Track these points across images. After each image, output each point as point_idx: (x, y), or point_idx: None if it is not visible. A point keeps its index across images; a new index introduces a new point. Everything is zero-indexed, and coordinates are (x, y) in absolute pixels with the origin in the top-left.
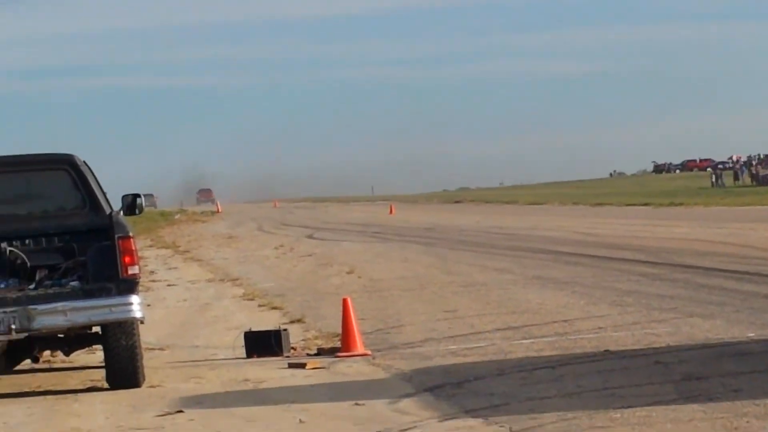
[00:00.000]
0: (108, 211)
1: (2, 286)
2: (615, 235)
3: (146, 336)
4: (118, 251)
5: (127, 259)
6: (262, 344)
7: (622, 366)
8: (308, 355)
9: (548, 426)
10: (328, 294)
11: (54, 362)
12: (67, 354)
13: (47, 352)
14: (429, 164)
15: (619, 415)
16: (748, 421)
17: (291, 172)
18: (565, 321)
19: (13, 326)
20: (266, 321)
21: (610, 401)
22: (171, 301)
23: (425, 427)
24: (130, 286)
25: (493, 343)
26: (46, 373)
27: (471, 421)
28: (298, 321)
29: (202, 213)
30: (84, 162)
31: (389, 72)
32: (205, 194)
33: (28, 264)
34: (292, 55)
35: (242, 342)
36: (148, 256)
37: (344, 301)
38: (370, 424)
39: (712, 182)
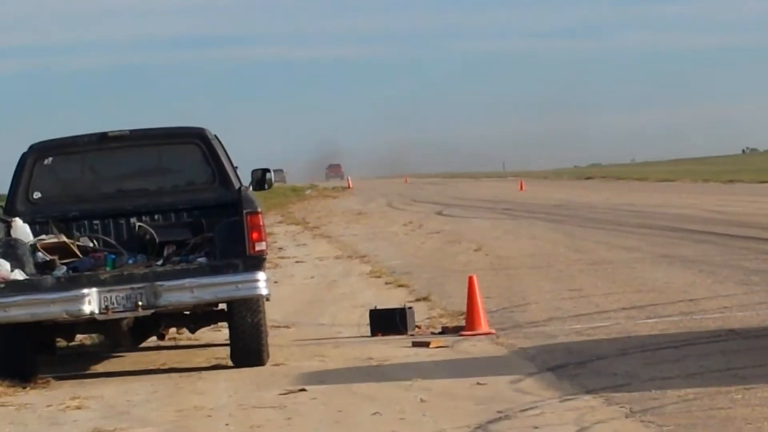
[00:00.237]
0: (237, 186)
1: (130, 261)
2: (745, 212)
3: (272, 313)
4: (246, 227)
5: (254, 235)
6: (387, 322)
7: (746, 346)
8: (432, 333)
9: (669, 407)
10: (454, 272)
11: (180, 339)
12: (192, 331)
13: (173, 330)
14: (561, 140)
15: (740, 396)
16: None
17: (423, 147)
18: (690, 300)
19: (140, 303)
20: (392, 299)
21: (732, 381)
22: (298, 278)
23: (546, 406)
24: (257, 262)
25: (617, 323)
26: (172, 351)
27: (592, 401)
28: (424, 299)
29: (333, 189)
30: (215, 136)
31: (525, 45)
32: (335, 169)
33: (157, 239)
34: (428, 26)
35: (367, 320)
36: (277, 232)
37: (470, 279)
38: (490, 403)
39: None
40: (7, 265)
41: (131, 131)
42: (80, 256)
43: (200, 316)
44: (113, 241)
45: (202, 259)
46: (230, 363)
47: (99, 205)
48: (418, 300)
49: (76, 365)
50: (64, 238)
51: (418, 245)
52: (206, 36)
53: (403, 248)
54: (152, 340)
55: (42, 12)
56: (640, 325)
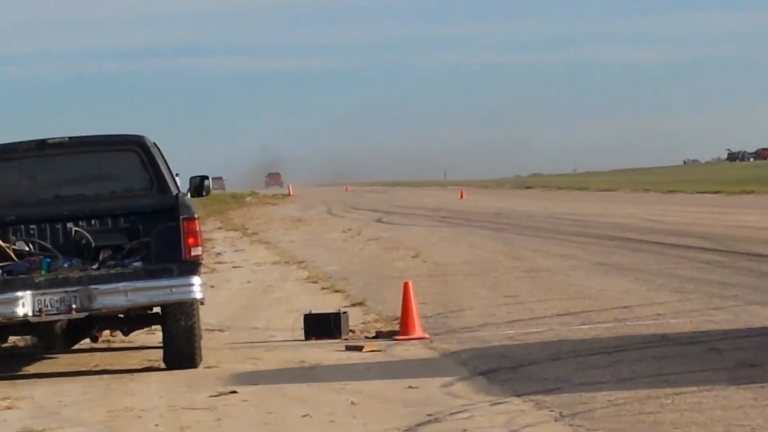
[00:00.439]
0: (175, 193)
1: (66, 265)
2: (683, 222)
3: (208, 317)
4: (182, 232)
5: (190, 241)
6: (321, 327)
7: (678, 352)
8: (366, 338)
9: (598, 411)
10: (391, 278)
11: (113, 342)
12: (126, 334)
13: (107, 332)
14: (504, 150)
15: (670, 401)
16: None
17: (365, 156)
18: (625, 307)
19: (74, 306)
20: (328, 304)
21: (662, 387)
22: (235, 282)
23: (476, 410)
24: (192, 267)
25: (551, 328)
26: (105, 353)
27: (522, 405)
28: (360, 304)
29: (273, 196)
30: (154, 144)
31: (470, 57)
32: (274, 178)
33: (93, 244)
34: (375, 39)
35: (302, 324)
36: (216, 237)
37: (405, 284)
38: (421, 406)
39: None
40: None
41: (70, 138)
42: (15, 259)
43: (134, 319)
44: (49, 245)
45: (137, 263)
46: (163, 365)
47: (36, 210)
48: (353, 305)
49: (8, 366)
50: None
51: (356, 252)
52: (152, 46)
53: (341, 255)
54: (86, 342)
55: None
56: (574, 331)
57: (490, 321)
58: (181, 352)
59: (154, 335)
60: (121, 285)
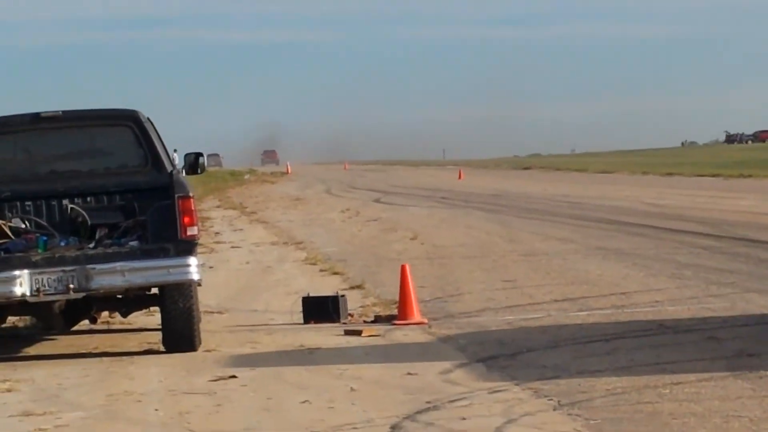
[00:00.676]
0: (170, 170)
1: (62, 244)
2: (681, 206)
3: (207, 299)
4: (177, 211)
5: (186, 220)
6: (320, 310)
7: (676, 341)
8: (365, 322)
9: (597, 400)
10: (389, 260)
11: (112, 323)
12: (124, 315)
13: (105, 313)
14: (502, 129)
15: (668, 391)
16: None
17: (364, 134)
18: (623, 293)
19: (72, 286)
20: (326, 286)
21: (660, 376)
22: (234, 263)
23: (474, 397)
24: (188, 247)
25: (549, 315)
26: (104, 335)
27: (521, 393)
28: (358, 287)
29: (271, 174)
30: (148, 119)
31: (472, 33)
32: (270, 155)
33: (89, 222)
34: (375, 12)
35: (300, 307)
36: (214, 216)
37: (402, 268)
38: (420, 394)
39: None
40: None
41: (64, 112)
42: (12, 237)
43: (132, 300)
44: (45, 223)
45: (134, 243)
46: (162, 348)
47: (31, 186)
48: (352, 288)
49: (7, 348)
50: None
51: (355, 232)
52: (149, 17)
53: (340, 235)
54: (85, 324)
55: None
56: (572, 317)
57: (489, 306)
58: (180, 334)
59: (154, 317)
60: (119, 265)
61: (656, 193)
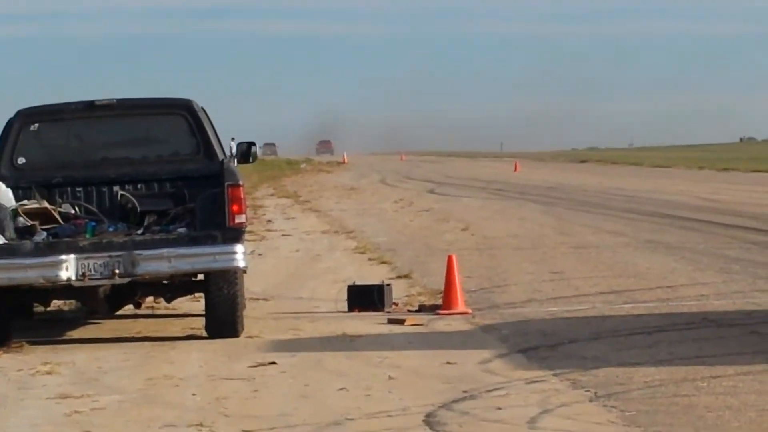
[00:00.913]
0: (221, 159)
1: (111, 229)
2: (735, 201)
3: (253, 286)
4: (226, 199)
5: (234, 208)
6: (365, 298)
7: (718, 335)
8: (409, 311)
9: (634, 392)
10: (439, 250)
11: (157, 308)
12: (168, 301)
13: (150, 298)
14: (561, 122)
15: (705, 384)
16: None
17: (422, 124)
18: (669, 287)
19: (117, 271)
20: (374, 275)
21: (699, 369)
22: (284, 251)
23: (512, 388)
24: (235, 234)
25: (593, 306)
26: (148, 319)
27: (558, 384)
28: (405, 276)
29: (327, 163)
30: (202, 108)
31: (532, 27)
32: (325, 145)
33: (138, 209)
34: (436, 5)
35: (345, 295)
36: (267, 205)
37: (449, 258)
38: (458, 383)
39: None
40: None
41: (118, 101)
42: (61, 222)
43: (177, 286)
44: (94, 209)
45: (182, 230)
46: (205, 334)
47: (82, 172)
48: (399, 277)
49: (51, 331)
50: (45, 204)
51: (407, 222)
52: (208, 8)
53: (391, 225)
54: (129, 308)
55: None
56: (616, 309)
57: (534, 297)
58: (223, 320)
59: (198, 303)
60: (165, 251)
61: (711, 188)
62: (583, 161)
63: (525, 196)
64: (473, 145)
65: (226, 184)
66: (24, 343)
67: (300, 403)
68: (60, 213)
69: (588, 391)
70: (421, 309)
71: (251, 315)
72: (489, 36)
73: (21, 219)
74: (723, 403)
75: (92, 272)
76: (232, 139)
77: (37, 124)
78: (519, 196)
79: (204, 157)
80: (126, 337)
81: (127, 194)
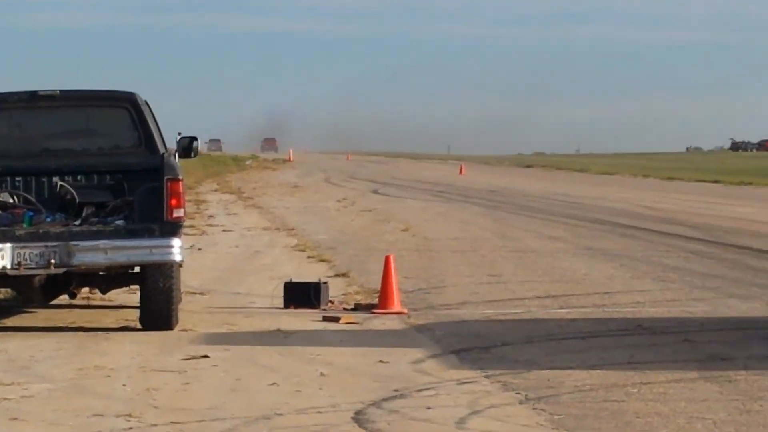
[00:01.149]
0: (162, 153)
1: (48, 219)
2: (676, 210)
3: (191, 280)
4: (165, 193)
5: (173, 202)
6: (301, 296)
7: (652, 342)
8: (345, 309)
9: (564, 396)
10: (379, 250)
11: (92, 299)
12: (103, 292)
13: (85, 289)
14: (508, 126)
15: (636, 390)
16: (761, 405)
17: (371, 125)
18: (605, 293)
19: (53, 261)
20: (312, 273)
21: (630, 376)
22: (223, 246)
23: (442, 388)
24: (173, 228)
25: (529, 310)
26: (83, 310)
27: (489, 386)
28: (343, 275)
29: (273, 160)
30: (145, 102)
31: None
32: (270, 143)
33: (77, 200)
34: (390, 6)
35: (282, 292)
36: (210, 200)
37: (386, 258)
38: (389, 381)
39: None
40: None
41: (61, 91)
42: None
43: (113, 277)
44: (33, 199)
45: (119, 222)
46: (139, 326)
47: (23, 162)
48: (337, 275)
49: None
50: None
51: (348, 222)
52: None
53: (333, 224)
54: (64, 299)
55: None
56: (552, 314)
57: (471, 299)
58: (158, 313)
59: (134, 295)
60: (101, 243)
61: (654, 196)
62: (528, 166)
63: (468, 199)
64: (421, 147)
65: (165, 178)
66: None
67: (230, 397)
68: None
69: (518, 393)
70: (357, 308)
71: (187, 309)
72: (440, 39)
73: None
74: (652, 409)
75: (28, 261)
76: (179, 134)
77: None
78: (462, 198)
79: (145, 151)
80: (60, 327)
81: (66, 185)
